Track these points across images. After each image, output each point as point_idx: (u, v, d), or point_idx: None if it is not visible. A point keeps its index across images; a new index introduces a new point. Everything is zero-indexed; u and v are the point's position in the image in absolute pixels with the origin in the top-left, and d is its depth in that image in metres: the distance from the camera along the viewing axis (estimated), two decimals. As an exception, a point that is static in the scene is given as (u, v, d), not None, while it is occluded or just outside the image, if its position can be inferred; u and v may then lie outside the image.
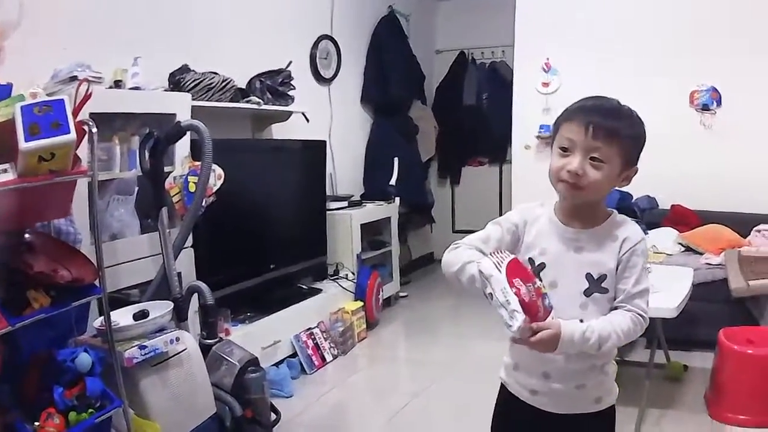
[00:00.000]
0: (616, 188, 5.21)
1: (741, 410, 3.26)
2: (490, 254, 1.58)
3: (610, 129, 1.56)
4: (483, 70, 7.34)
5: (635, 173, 1.65)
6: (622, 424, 3.28)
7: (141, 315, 2.71)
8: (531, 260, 1.69)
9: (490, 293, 1.53)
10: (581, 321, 1.59)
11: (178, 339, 2.70)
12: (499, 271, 1.53)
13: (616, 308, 1.63)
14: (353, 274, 5.07)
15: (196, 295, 3.11)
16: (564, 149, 1.60)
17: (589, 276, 1.64)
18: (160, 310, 2.76)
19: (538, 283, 1.56)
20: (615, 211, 1.69)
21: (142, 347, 2.53)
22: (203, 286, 3.04)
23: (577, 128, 1.57)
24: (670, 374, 3.93)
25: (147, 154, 3.07)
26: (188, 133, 3.22)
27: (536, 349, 1.56)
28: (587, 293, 1.64)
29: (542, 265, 1.68)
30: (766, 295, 3.78)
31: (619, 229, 1.66)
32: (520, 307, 1.49)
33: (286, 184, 4.56)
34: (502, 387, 1.83)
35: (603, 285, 1.64)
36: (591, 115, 1.57)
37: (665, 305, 3.18)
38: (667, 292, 3.32)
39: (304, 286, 4.75)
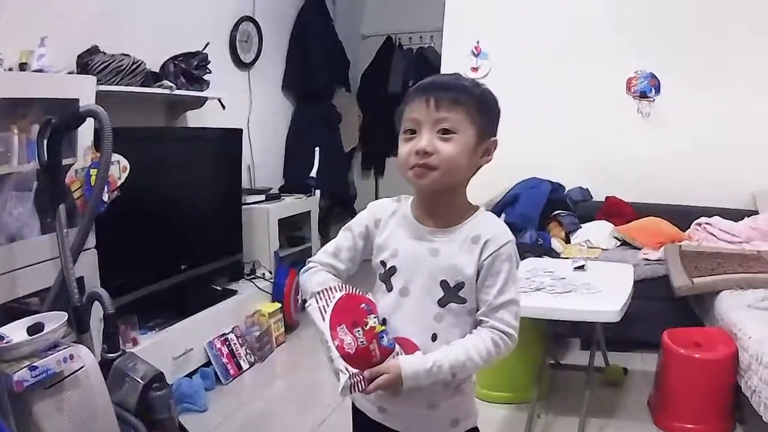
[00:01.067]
0: (548, 180, 4.99)
1: (689, 418, 3.13)
2: (318, 293, 1.45)
3: (453, 97, 1.44)
4: (410, 57, 7.12)
5: (495, 146, 1.50)
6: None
7: (35, 329, 2.36)
8: (383, 263, 1.53)
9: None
10: (435, 335, 1.45)
11: (71, 357, 2.36)
12: (323, 318, 1.40)
13: (480, 322, 1.46)
14: (270, 273, 4.78)
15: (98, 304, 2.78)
16: (410, 132, 1.45)
17: (444, 283, 1.47)
18: (54, 322, 2.41)
19: (371, 321, 1.42)
20: (481, 208, 1.53)
21: (32, 368, 2.19)
22: (103, 292, 2.70)
23: (417, 105, 1.45)
24: (609, 378, 3.72)
25: (45, 145, 2.73)
26: (92, 120, 2.88)
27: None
28: (442, 303, 1.47)
29: (393, 270, 1.52)
30: (711, 293, 3.61)
31: (483, 228, 1.48)
32: (343, 365, 1.35)
33: (199, 176, 4.23)
34: (352, 405, 1.64)
35: (460, 294, 1.46)
36: (430, 90, 1.46)
37: (607, 308, 2.94)
38: (608, 292, 3.11)
39: (218, 288, 4.44)
